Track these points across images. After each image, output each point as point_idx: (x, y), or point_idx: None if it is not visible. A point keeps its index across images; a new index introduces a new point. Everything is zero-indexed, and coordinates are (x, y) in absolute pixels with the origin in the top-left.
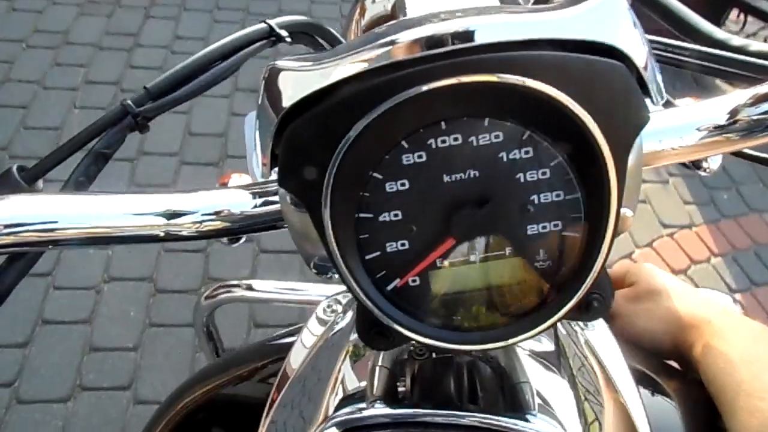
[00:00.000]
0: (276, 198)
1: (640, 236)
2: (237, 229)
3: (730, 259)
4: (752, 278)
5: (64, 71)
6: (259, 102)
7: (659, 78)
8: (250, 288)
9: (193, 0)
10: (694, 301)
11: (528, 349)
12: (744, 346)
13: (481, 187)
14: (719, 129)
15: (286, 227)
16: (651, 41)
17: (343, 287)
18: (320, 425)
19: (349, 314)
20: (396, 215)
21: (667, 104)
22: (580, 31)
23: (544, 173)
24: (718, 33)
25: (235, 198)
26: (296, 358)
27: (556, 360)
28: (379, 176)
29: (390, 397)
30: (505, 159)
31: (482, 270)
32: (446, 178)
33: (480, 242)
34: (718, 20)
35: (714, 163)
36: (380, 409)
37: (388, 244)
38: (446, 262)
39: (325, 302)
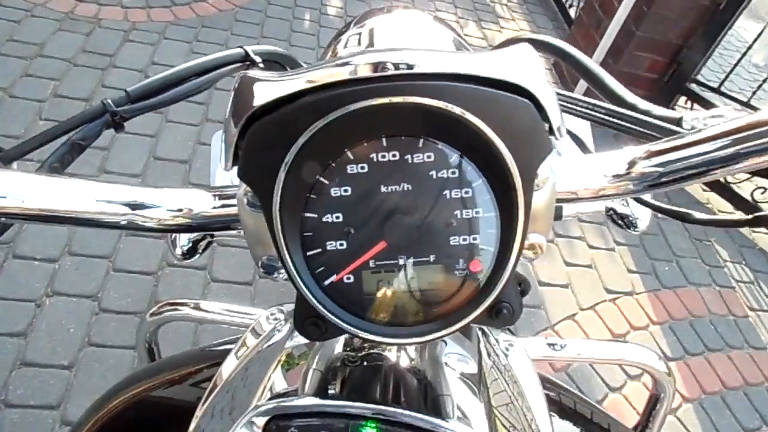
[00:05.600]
0: (233, 201)
1: (584, 299)
2: (195, 226)
3: (666, 328)
4: (686, 348)
5: (33, 82)
6: (230, 103)
7: (560, 118)
8: (197, 308)
9: (172, 30)
10: None
11: (455, 369)
12: None
13: (412, 199)
14: (619, 177)
15: (240, 229)
16: (572, 97)
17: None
18: (247, 413)
19: (288, 325)
20: (337, 217)
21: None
22: (495, 71)
23: (467, 192)
24: (629, 96)
25: (197, 198)
26: (230, 364)
27: (477, 383)
28: (326, 181)
29: (319, 395)
30: (435, 177)
31: (409, 273)
32: (383, 189)
33: (408, 248)
34: (668, 103)
35: (642, 223)
36: (308, 400)
37: (328, 243)
38: (378, 264)
39: (267, 311)
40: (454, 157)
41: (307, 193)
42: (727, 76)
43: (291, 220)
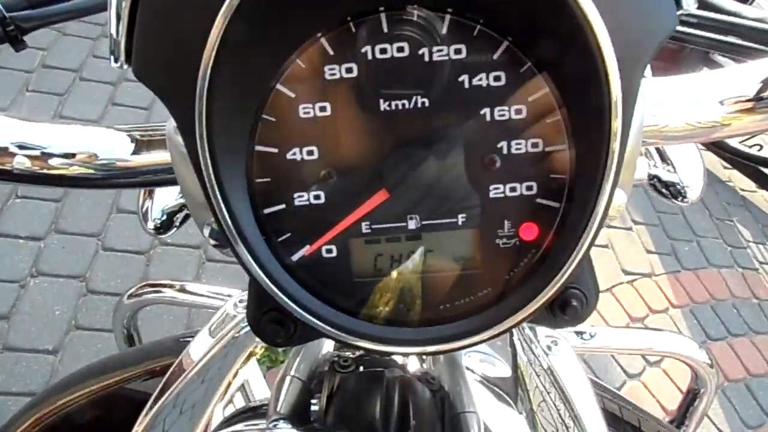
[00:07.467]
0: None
1: (600, 281)
2: (102, 179)
3: (687, 312)
4: (708, 332)
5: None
6: None
7: None
8: (182, 290)
9: None
10: None
11: (480, 373)
12: None
13: (430, 122)
14: (750, 102)
15: (177, 185)
16: None
17: None
18: None
19: None
20: (310, 153)
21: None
22: None
23: (519, 111)
24: (727, 2)
25: (109, 140)
26: (195, 353)
27: (512, 390)
28: (288, 92)
29: (297, 415)
30: (467, 85)
31: (423, 243)
32: (384, 106)
33: (423, 202)
34: None
35: (693, 192)
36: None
37: (296, 195)
38: (375, 227)
39: (237, 296)
40: (501, 47)
41: (258, 111)
42: None
43: (232, 156)
